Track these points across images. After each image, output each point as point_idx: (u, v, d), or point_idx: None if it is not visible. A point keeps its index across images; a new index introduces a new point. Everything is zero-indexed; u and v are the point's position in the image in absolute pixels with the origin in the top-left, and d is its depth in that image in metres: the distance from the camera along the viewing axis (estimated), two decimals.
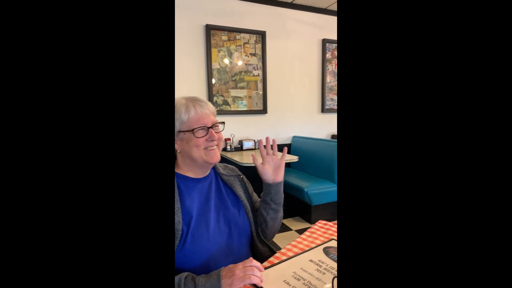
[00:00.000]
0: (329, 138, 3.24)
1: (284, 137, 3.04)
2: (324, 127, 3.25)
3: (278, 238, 2.15)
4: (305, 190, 2.26)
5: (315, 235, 0.84)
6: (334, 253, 0.72)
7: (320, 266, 0.66)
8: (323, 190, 2.32)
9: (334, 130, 3.29)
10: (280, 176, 0.81)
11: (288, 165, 3.00)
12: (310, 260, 0.69)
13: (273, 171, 0.80)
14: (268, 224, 0.82)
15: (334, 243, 0.78)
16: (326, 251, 0.74)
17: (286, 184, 2.54)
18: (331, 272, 0.63)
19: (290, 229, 2.33)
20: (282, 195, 0.83)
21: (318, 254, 0.72)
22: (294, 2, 2.85)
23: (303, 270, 0.64)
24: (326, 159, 2.47)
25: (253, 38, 2.77)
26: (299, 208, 2.54)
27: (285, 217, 2.57)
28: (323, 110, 3.18)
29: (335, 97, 3.25)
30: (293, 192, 2.46)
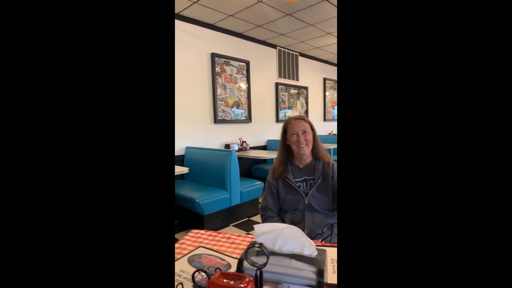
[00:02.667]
0: (222, 147, 3.37)
1: (177, 148, 2.96)
2: (217, 137, 3.37)
3: None
4: (197, 200, 2.26)
5: (184, 245, 0.86)
6: (198, 260, 0.76)
7: (180, 276, 0.67)
8: (215, 199, 2.38)
9: (226, 140, 3.46)
10: None
11: (181, 177, 2.94)
12: None
13: None
14: None
15: (200, 250, 0.82)
16: (191, 259, 0.77)
17: (178, 197, 2.47)
18: (189, 280, 0.66)
19: None
20: None
21: (182, 264, 0.73)
22: (180, 13, 2.86)
23: None
24: (218, 168, 2.55)
25: None
26: (192, 219, 2.51)
27: (178, 230, 2.48)
28: (216, 121, 3.29)
29: (227, 109, 3.43)
30: (185, 204, 2.41)
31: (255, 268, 0.50)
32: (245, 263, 0.53)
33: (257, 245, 0.45)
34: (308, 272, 0.50)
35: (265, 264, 0.43)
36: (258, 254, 0.53)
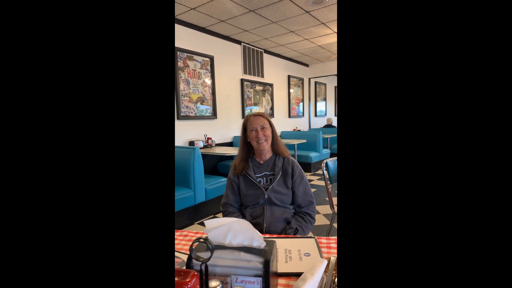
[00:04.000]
0: (186, 145, 3.29)
1: None
2: (181, 134, 3.28)
3: None
4: None
5: None
6: None
7: None
8: (179, 197, 2.33)
9: (190, 136, 3.38)
10: None
11: None
12: None
13: None
14: None
15: None
16: None
17: None
18: None
19: None
20: None
21: None
22: None
23: None
24: (182, 166, 2.49)
25: None
26: None
27: None
28: (179, 117, 3.20)
29: (190, 105, 3.35)
30: None
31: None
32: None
33: (202, 240, 0.45)
34: (255, 263, 0.51)
35: (209, 258, 0.44)
36: (208, 249, 0.54)
